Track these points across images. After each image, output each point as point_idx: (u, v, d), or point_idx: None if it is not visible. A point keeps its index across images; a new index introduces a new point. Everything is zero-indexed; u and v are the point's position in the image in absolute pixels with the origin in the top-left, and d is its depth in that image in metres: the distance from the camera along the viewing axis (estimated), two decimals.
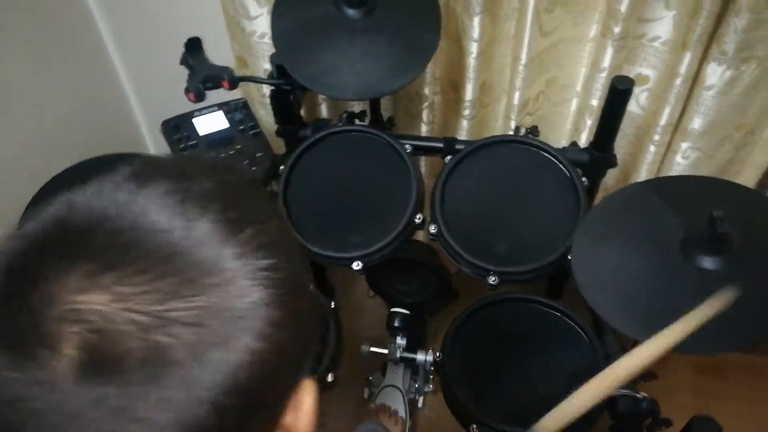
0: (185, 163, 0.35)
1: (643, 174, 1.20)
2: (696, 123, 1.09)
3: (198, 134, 1.15)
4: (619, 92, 0.98)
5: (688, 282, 0.75)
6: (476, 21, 1.06)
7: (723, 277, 0.74)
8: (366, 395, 1.42)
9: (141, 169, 0.32)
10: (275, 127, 1.20)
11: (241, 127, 1.17)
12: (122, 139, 1.25)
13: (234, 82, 0.95)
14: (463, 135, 1.26)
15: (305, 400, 0.37)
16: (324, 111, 1.31)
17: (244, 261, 0.30)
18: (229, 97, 1.20)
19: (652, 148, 1.16)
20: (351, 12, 0.99)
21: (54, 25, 1.29)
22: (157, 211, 0.30)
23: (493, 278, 0.95)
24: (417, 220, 1.00)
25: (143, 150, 1.16)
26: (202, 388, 0.28)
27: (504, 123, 1.26)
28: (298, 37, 1.00)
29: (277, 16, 1.01)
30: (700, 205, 0.79)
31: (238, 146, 1.15)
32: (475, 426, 0.96)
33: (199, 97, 0.92)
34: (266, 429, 0.34)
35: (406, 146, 1.05)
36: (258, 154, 1.15)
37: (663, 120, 1.11)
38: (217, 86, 0.95)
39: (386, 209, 1.02)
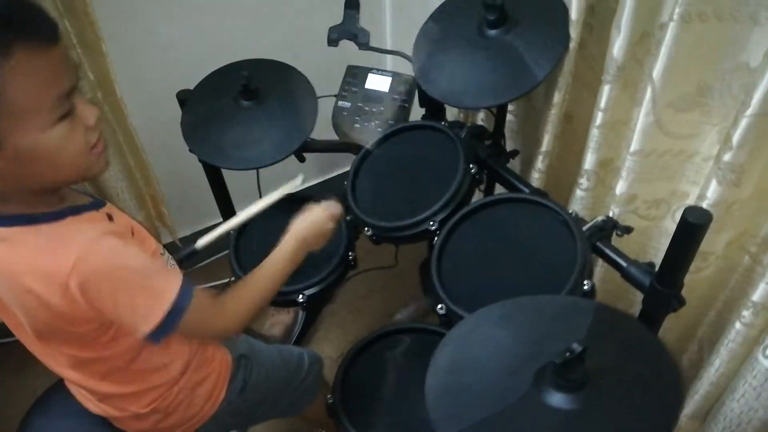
0: None
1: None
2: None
3: (363, 85, 1.38)
4: (689, 225, 0.83)
5: (514, 402, 0.67)
6: (606, 89, 1.00)
7: (554, 413, 0.65)
8: None
9: None
10: None
11: (395, 96, 1.36)
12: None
13: (362, 45, 1.14)
14: (575, 204, 1.19)
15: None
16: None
17: None
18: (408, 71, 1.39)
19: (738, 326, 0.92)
20: (489, 32, 1.07)
21: None
22: None
23: (441, 307, 0.96)
24: (431, 226, 1.06)
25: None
26: None
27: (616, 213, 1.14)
28: (437, 42, 1.13)
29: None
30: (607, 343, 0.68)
31: (382, 108, 1.35)
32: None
33: (331, 43, 1.14)
34: None
35: (472, 167, 1.09)
36: (390, 122, 1.33)
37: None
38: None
39: (420, 203, 1.08)
